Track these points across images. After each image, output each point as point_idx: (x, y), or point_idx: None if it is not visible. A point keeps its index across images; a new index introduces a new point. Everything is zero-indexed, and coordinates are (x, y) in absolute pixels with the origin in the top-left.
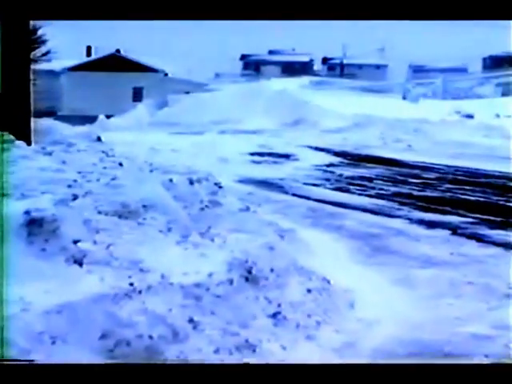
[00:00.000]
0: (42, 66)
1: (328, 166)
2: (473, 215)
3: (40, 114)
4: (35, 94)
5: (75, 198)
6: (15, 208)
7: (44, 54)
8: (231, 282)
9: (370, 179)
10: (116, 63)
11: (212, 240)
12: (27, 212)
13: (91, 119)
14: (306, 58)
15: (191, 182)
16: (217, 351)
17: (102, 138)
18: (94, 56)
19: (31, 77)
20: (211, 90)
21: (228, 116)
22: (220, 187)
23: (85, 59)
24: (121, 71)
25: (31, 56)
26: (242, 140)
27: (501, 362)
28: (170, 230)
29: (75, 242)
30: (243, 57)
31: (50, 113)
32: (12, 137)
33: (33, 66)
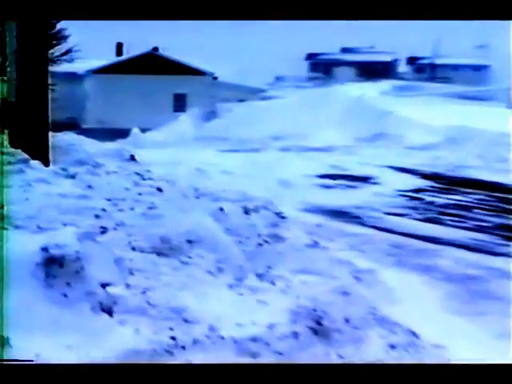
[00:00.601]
0: (62, 67)
1: (415, 191)
2: None
3: (60, 127)
4: (53, 103)
5: (104, 231)
6: (30, 244)
7: (64, 53)
8: (296, 335)
9: (467, 208)
10: (153, 64)
11: (272, 283)
12: (45, 249)
13: (123, 133)
14: (387, 58)
15: (246, 212)
16: None
17: (137, 157)
18: (125, 55)
19: (49, 81)
20: (270, 97)
21: (291, 130)
22: (282, 217)
23: (114, 59)
24: (159, 74)
25: (49, 55)
26: (309, 159)
27: (501, 362)
28: (220, 270)
29: (104, 285)
30: (310, 56)
31: (72, 125)
32: (26, 155)
33: (51, 68)
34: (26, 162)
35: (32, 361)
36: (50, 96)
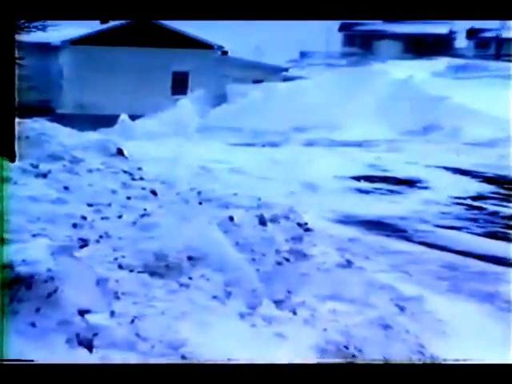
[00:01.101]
0: (33, 36)
1: (475, 198)
2: None
3: (29, 113)
4: (21, 81)
5: (84, 244)
6: None
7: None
8: None
9: None
10: (147, 34)
11: (293, 312)
12: (9, 266)
13: (108, 121)
14: (443, 30)
15: (262, 222)
16: None
17: (125, 152)
18: (111, 23)
19: (15, 54)
20: (293, 77)
21: (319, 119)
22: (307, 230)
23: (98, 27)
24: (154, 46)
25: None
26: (341, 156)
27: (501, 362)
28: (229, 295)
29: (82, 312)
30: (344, 26)
31: (44, 110)
32: None
33: (18, 37)
34: None
35: (32, 361)
36: (16, 73)
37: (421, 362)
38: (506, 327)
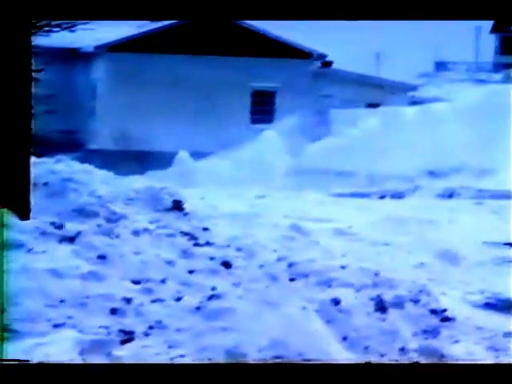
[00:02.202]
0: (55, 39)
1: None
2: None
3: (49, 148)
4: (38, 103)
5: (127, 338)
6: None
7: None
8: None
9: None
10: (216, 37)
11: None
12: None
13: (160, 160)
14: None
15: (381, 307)
16: None
17: (185, 205)
18: (165, 21)
19: (31, 64)
20: (425, 99)
21: (463, 160)
22: (445, 319)
23: (145, 27)
24: (226, 55)
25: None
26: (494, 214)
27: (501, 362)
28: None
29: None
30: (499, 26)
31: (70, 144)
32: None
33: (35, 40)
34: None
35: (29, 361)
36: (32, 91)
37: (421, 362)
38: None
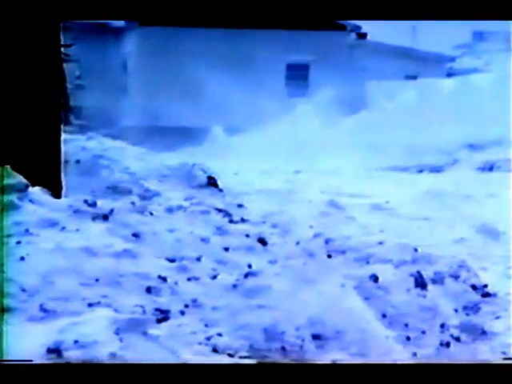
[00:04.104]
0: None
1: None
2: None
3: (80, 126)
4: (68, 79)
5: (164, 317)
6: (29, 340)
7: None
8: None
9: None
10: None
11: None
12: (55, 350)
13: (194, 136)
14: None
15: (420, 283)
16: None
17: (219, 182)
18: None
19: (60, 39)
20: (464, 70)
21: (504, 131)
22: (486, 295)
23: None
24: (259, 27)
25: None
26: None
27: (501, 362)
28: None
29: None
30: None
31: (102, 121)
32: (21, 178)
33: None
34: (20, 190)
35: (31, 361)
36: (61, 67)
37: (421, 362)
38: None
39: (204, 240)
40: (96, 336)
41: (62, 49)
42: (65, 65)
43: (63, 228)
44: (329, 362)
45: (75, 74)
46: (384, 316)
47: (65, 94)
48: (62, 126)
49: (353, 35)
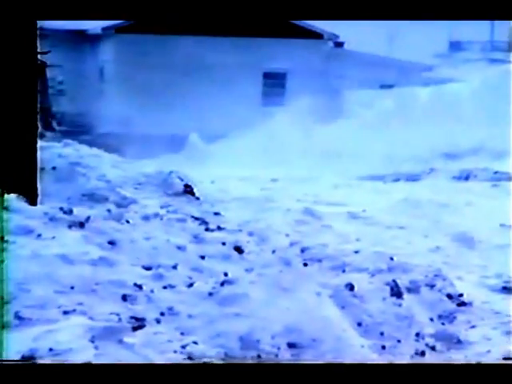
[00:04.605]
0: (60, 22)
1: None
2: None
3: (56, 132)
4: (44, 86)
5: (138, 325)
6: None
7: None
8: None
9: None
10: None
11: None
12: (29, 357)
13: (171, 143)
14: None
15: (396, 292)
16: None
17: (196, 189)
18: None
19: (37, 46)
20: (440, 80)
21: (479, 140)
22: (461, 304)
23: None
24: (236, 35)
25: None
26: None
27: (501, 362)
28: None
29: None
30: None
31: (78, 128)
32: None
33: (41, 23)
34: None
35: (29, 360)
36: (37, 74)
37: (421, 363)
38: None
39: (180, 248)
40: (71, 344)
41: (39, 56)
42: (47, 70)
43: (39, 235)
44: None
45: (57, 79)
46: (359, 325)
47: (47, 100)
48: (44, 132)
49: (330, 44)
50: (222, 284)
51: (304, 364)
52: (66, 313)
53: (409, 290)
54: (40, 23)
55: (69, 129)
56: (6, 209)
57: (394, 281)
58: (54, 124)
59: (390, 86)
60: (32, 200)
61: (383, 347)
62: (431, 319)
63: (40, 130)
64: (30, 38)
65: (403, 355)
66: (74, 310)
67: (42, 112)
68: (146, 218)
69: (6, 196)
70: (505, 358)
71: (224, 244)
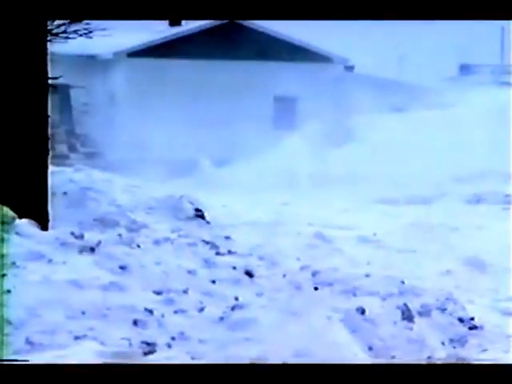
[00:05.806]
0: (71, 46)
1: None
2: None
3: (67, 157)
4: (55, 111)
5: (150, 350)
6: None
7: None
8: None
9: None
10: (236, 42)
11: None
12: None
13: (181, 168)
14: None
15: (407, 316)
16: None
17: (206, 214)
18: (186, 26)
19: (48, 71)
20: (450, 103)
21: (491, 164)
22: (472, 328)
23: (165, 32)
24: (246, 59)
25: (47, 26)
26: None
27: (501, 362)
28: None
29: None
30: None
31: (90, 153)
32: (9, 212)
33: (51, 47)
34: (7, 222)
35: (28, 360)
36: (49, 98)
37: (421, 363)
38: None
39: (191, 272)
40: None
41: (50, 81)
42: (71, 91)
43: (50, 260)
44: None
45: (81, 100)
46: (371, 349)
47: (71, 122)
48: (69, 154)
49: (340, 68)
50: (233, 308)
51: (304, 364)
52: (77, 338)
53: (420, 314)
54: (50, 47)
55: (94, 150)
56: (18, 234)
57: (405, 304)
58: (78, 146)
59: (401, 110)
60: (43, 225)
61: None
62: (442, 343)
63: (66, 152)
64: (40, 62)
65: None
66: (85, 336)
67: (66, 134)
68: (156, 242)
69: (17, 221)
70: None
71: (235, 268)
